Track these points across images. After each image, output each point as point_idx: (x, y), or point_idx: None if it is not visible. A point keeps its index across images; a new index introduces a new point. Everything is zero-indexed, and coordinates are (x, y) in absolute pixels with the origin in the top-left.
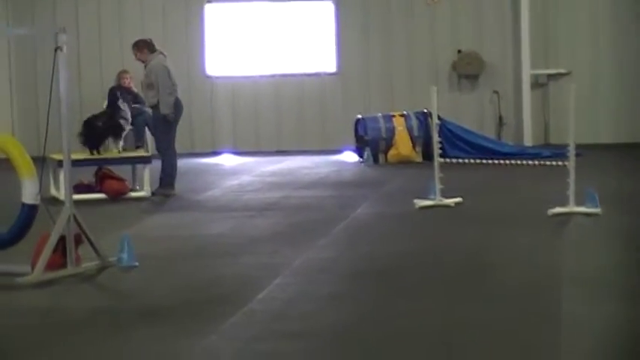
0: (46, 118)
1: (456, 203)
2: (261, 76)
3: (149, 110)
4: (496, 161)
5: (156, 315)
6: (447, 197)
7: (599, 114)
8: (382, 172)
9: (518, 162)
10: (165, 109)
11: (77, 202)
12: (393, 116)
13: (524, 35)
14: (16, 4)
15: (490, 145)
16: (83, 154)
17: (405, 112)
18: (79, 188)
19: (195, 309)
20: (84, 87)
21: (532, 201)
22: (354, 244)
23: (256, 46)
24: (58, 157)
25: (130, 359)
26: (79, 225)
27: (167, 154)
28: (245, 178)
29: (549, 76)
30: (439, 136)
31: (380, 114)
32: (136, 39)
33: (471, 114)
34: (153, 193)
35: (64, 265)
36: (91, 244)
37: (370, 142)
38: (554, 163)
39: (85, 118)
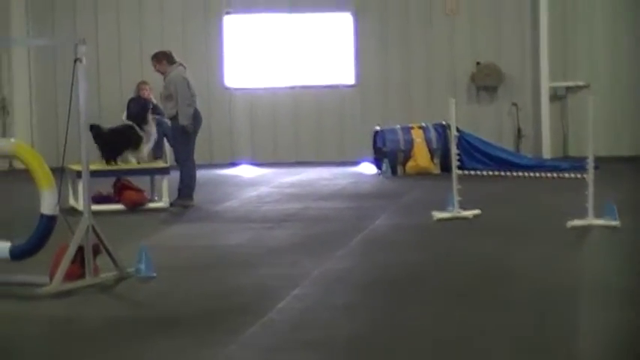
0: (65, 129)
1: (474, 215)
2: (280, 88)
3: (168, 121)
4: (514, 173)
5: (174, 325)
6: (465, 209)
7: (618, 126)
8: (400, 183)
9: (537, 174)
10: (184, 120)
11: (96, 213)
12: (412, 128)
13: (543, 47)
14: (36, 14)
15: (508, 157)
16: (102, 165)
17: (423, 124)
18: (98, 199)
19: (214, 319)
20: (103, 98)
21: (551, 213)
22: (372, 255)
23: (275, 58)
24: (76, 167)
25: None
26: (97, 235)
27: (186, 165)
28: (263, 190)
29: (568, 88)
30: (457, 148)
31: (398, 126)
32: (156, 50)
33: (490, 126)
34: (171, 204)
35: (82, 276)
36: (109, 254)
37: (388, 153)
38: (572, 175)
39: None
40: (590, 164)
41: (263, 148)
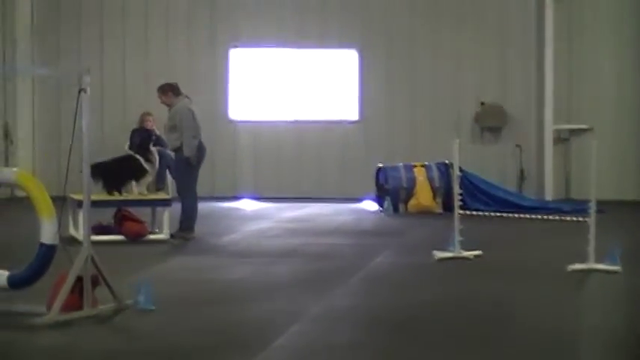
0: (68, 158)
1: (476, 256)
2: (284, 122)
3: (171, 153)
4: (517, 215)
5: (171, 359)
6: (466, 250)
7: (622, 170)
8: (402, 221)
9: (539, 216)
10: (188, 152)
11: (95, 243)
12: (415, 166)
13: (548, 89)
14: (42, 43)
15: (511, 199)
16: (103, 195)
17: (426, 163)
18: (98, 229)
19: (211, 354)
20: (106, 128)
21: (552, 256)
22: (373, 293)
23: (280, 92)
24: (78, 197)
25: None
26: (96, 266)
27: (188, 197)
28: (265, 224)
29: (571, 131)
30: (460, 187)
31: (401, 164)
32: (162, 83)
33: (493, 166)
34: (172, 236)
35: (80, 307)
36: (108, 286)
37: (391, 191)
38: (575, 218)
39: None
40: (593, 207)
41: (266, 182)
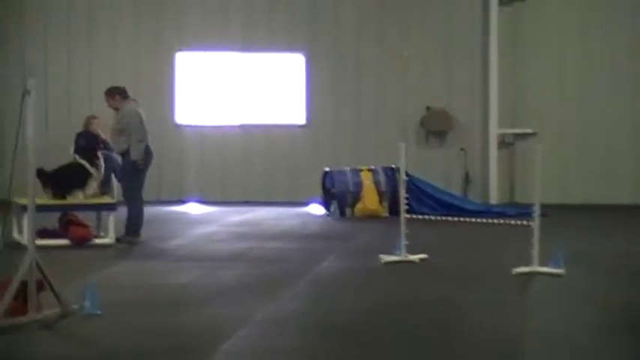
0: (12, 162)
1: (422, 259)
2: (230, 126)
3: (117, 157)
4: (462, 219)
5: None
6: (412, 253)
7: (566, 174)
8: (348, 225)
9: (484, 220)
10: (135, 155)
11: (40, 248)
12: (361, 170)
13: (493, 94)
14: None
15: (456, 203)
16: (48, 199)
17: (372, 167)
18: (43, 233)
19: (157, 359)
20: (51, 131)
21: (496, 259)
22: (319, 298)
23: (226, 96)
24: (22, 201)
25: None
26: (41, 271)
27: (134, 202)
28: (211, 228)
29: (516, 135)
30: (406, 191)
31: (348, 168)
32: (109, 86)
33: (438, 170)
34: (118, 240)
35: (24, 312)
36: (53, 290)
37: (337, 195)
38: (519, 222)
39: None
40: (537, 211)
41: (212, 186)
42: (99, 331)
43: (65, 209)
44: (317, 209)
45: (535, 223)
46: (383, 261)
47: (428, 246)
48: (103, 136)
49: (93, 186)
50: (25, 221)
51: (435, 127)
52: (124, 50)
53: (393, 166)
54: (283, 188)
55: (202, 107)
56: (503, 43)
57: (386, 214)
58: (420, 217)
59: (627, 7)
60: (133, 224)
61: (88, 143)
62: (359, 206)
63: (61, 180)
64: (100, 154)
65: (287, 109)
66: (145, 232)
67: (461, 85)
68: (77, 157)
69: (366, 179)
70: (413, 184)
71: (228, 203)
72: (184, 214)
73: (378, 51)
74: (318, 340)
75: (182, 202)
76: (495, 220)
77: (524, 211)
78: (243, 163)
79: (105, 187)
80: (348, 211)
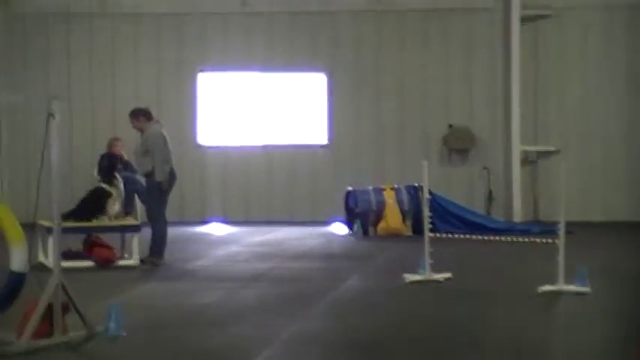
0: (37, 185)
1: (446, 279)
2: (253, 147)
3: (141, 178)
4: (486, 237)
5: None
6: (436, 272)
7: (589, 192)
8: (372, 244)
9: (508, 238)
10: (160, 177)
11: (65, 270)
12: (384, 189)
13: (515, 111)
14: (9, 70)
15: (480, 221)
16: (73, 221)
17: (395, 186)
18: (68, 255)
19: None
20: (75, 153)
21: (521, 278)
22: (343, 317)
23: (248, 116)
24: (47, 223)
25: None
26: (66, 293)
27: (158, 223)
28: (234, 248)
29: (539, 152)
30: (429, 210)
31: (370, 187)
32: (133, 108)
33: (461, 188)
34: (142, 261)
35: (50, 334)
36: (78, 312)
37: (360, 214)
38: (544, 240)
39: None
40: (562, 229)
41: (234, 206)
42: (124, 352)
43: (89, 231)
44: (340, 228)
45: (560, 241)
46: (407, 280)
47: (452, 265)
48: (126, 157)
49: (114, 207)
50: (50, 243)
51: (458, 145)
52: (146, 72)
53: (416, 184)
54: (306, 208)
55: (224, 128)
56: (525, 60)
57: (409, 232)
58: (444, 235)
59: None
60: (157, 245)
61: (106, 164)
62: (382, 225)
63: (83, 209)
64: (117, 174)
65: (309, 128)
66: (168, 253)
67: (483, 103)
68: (99, 178)
69: (389, 198)
70: (436, 203)
71: (251, 223)
72: (207, 234)
73: (400, 69)
74: (341, 359)
75: (205, 222)
76: (519, 238)
77: (549, 229)
78: (266, 183)
79: (128, 208)
80: (371, 230)
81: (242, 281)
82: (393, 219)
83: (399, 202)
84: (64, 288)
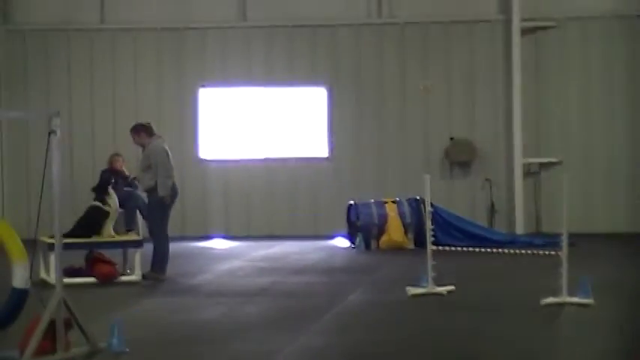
0: (38, 201)
1: (449, 291)
2: (254, 160)
3: (143, 194)
4: (488, 249)
5: None
6: (439, 285)
7: (591, 203)
8: (374, 258)
9: (511, 250)
10: (162, 192)
11: (67, 286)
12: (385, 202)
13: (517, 123)
14: (10, 86)
15: (482, 233)
16: (74, 238)
17: (397, 199)
18: (70, 272)
19: None
20: (76, 169)
21: (524, 290)
22: (347, 331)
23: (249, 131)
24: (48, 240)
25: None
26: (69, 309)
27: (160, 238)
28: (236, 263)
29: (541, 164)
30: (432, 223)
31: (372, 200)
32: (134, 123)
33: (463, 201)
34: (144, 277)
35: (53, 351)
36: (81, 329)
37: (362, 227)
38: (546, 252)
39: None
40: (565, 241)
41: (236, 220)
42: None
43: (91, 247)
44: (342, 242)
45: (563, 253)
46: (410, 293)
47: (454, 277)
48: (127, 173)
49: (108, 227)
50: (52, 260)
51: (459, 158)
52: (146, 87)
53: (418, 197)
54: (307, 222)
55: (226, 142)
56: (526, 72)
57: (411, 245)
58: (446, 248)
59: None
60: (159, 261)
61: (99, 182)
62: (384, 238)
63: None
64: (111, 190)
65: (310, 142)
66: (169, 268)
67: (484, 115)
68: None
69: (391, 211)
70: (438, 215)
71: (253, 238)
72: (209, 249)
73: (400, 82)
74: None
75: (207, 237)
76: (522, 250)
77: (552, 241)
78: (267, 197)
79: (130, 224)
80: (373, 243)
81: (244, 296)
82: (395, 232)
83: (401, 215)
84: (66, 304)
